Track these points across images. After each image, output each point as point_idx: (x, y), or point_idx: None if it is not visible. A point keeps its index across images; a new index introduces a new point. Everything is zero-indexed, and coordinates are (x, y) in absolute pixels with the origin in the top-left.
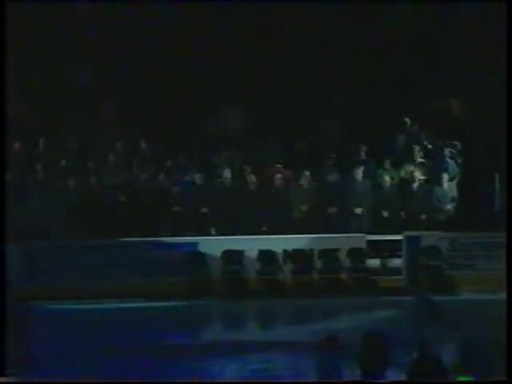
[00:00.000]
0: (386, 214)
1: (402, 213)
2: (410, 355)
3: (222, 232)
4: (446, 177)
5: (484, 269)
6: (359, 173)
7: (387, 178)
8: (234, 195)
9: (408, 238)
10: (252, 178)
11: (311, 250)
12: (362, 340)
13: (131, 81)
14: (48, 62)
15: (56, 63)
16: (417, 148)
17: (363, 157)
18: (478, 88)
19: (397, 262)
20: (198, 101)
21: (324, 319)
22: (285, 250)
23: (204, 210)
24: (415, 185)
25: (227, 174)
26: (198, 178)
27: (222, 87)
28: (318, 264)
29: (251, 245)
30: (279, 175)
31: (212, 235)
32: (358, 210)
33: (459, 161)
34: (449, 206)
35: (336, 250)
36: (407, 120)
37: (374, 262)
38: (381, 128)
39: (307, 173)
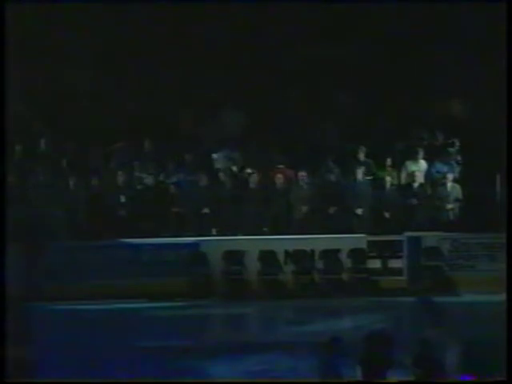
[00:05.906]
0: (386, 214)
1: (403, 213)
2: (411, 356)
3: (222, 232)
4: (446, 177)
5: (485, 269)
6: (360, 173)
7: (388, 179)
8: (234, 196)
9: (409, 238)
10: (252, 178)
11: (312, 250)
12: (363, 340)
13: (131, 81)
14: (48, 61)
15: (56, 63)
16: (417, 148)
17: (363, 157)
18: (478, 88)
19: (398, 263)
20: (198, 101)
21: (325, 320)
22: (286, 251)
23: (205, 210)
24: (416, 185)
25: (228, 174)
26: (198, 178)
27: (222, 87)
28: (319, 265)
29: (252, 245)
30: (280, 175)
31: (213, 236)
32: (359, 211)
33: (459, 161)
34: (449, 207)
35: (337, 250)
36: (407, 120)
37: (374, 263)
38: (381, 128)
39: (307, 173)
